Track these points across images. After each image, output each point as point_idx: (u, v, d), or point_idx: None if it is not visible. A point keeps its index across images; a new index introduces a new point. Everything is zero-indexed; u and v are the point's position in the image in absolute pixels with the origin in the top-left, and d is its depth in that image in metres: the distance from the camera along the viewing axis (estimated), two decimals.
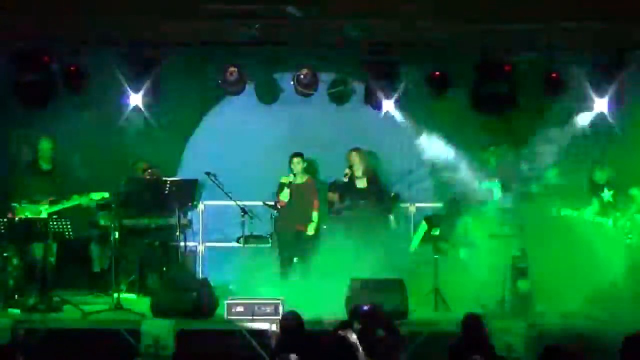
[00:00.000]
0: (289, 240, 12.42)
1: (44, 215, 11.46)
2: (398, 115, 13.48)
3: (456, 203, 12.69)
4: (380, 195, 12.63)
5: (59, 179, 11.89)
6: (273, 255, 12.94)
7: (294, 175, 12.41)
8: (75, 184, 12.05)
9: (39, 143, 11.99)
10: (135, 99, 13.13)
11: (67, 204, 11.65)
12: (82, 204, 11.69)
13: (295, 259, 12.50)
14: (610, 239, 11.46)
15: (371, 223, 12.11)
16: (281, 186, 12.40)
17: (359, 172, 12.60)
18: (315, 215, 12.47)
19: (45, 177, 11.87)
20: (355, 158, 12.63)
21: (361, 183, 12.64)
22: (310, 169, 13.05)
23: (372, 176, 12.73)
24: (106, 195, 11.69)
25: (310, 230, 12.43)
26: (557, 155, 12.72)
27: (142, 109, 13.23)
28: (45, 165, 11.94)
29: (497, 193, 12.09)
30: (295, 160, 12.42)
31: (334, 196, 12.84)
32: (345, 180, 12.59)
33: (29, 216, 11.41)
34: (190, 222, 13.20)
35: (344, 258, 11.35)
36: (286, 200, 12.37)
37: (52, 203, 11.66)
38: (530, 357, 10.09)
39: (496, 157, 12.49)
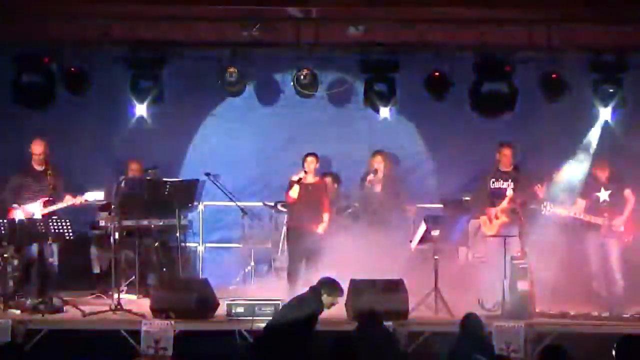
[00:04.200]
0: (299, 238, 12.05)
1: (37, 216, 11.47)
2: (398, 116, 13.51)
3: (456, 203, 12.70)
4: (395, 201, 12.41)
5: (52, 180, 11.86)
6: (274, 255, 12.95)
7: (305, 172, 12.09)
8: (73, 185, 12.04)
9: (31, 145, 11.95)
10: (136, 100, 13.15)
11: (60, 205, 11.67)
12: (76, 205, 11.70)
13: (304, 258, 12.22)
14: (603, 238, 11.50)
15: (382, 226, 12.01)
16: (291, 183, 12.08)
17: (379, 175, 12.42)
18: (325, 216, 12.14)
19: (38, 178, 11.86)
20: (376, 161, 12.46)
21: (378, 187, 12.44)
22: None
23: (390, 181, 12.51)
24: (100, 196, 11.70)
25: (320, 230, 12.05)
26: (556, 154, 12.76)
27: (143, 110, 13.25)
28: (37, 167, 11.93)
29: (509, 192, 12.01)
30: (309, 159, 12.11)
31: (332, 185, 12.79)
32: (368, 185, 12.40)
33: (24, 217, 11.43)
34: (190, 222, 13.20)
35: (352, 259, 11.26)
36: (295, 197, 12.08)
37: (45, 204, 11.67)
38: (530, 357, 10.08)
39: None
